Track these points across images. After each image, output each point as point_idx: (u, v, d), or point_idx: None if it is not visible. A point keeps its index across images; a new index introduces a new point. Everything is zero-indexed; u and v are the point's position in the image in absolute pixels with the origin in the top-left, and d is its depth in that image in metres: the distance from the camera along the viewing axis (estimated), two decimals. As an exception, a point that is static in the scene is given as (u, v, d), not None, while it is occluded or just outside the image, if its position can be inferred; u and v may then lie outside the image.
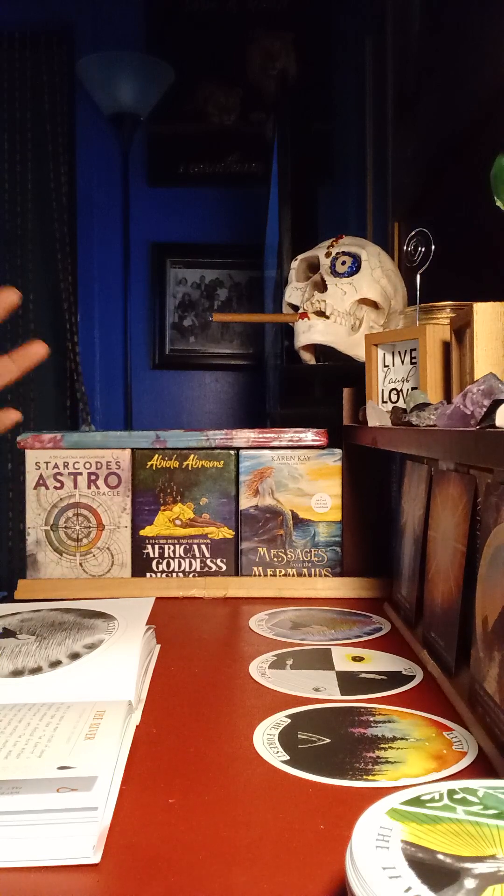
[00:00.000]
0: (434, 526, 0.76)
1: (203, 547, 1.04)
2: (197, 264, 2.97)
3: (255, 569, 1.04)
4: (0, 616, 0.76)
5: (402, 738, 0.55)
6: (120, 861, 0.40)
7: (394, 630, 0.85)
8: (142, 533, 1.04)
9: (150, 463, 1.04)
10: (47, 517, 1.04)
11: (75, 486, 1.04)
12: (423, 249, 0.87)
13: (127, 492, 1.04)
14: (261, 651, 0.77)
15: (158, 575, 1.04)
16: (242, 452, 1.05)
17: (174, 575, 1.04)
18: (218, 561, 1.04)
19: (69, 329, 2.81)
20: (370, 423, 0.91)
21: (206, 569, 1.04)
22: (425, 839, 0.34)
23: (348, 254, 1.14)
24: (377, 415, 0.89)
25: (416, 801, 0.37)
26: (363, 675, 0.69)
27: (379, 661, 0.73)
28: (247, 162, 2.90)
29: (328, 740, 0.55)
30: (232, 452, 1.05)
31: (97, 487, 1.04)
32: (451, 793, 0.38)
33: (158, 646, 0.78)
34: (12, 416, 0.66)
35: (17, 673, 0.61)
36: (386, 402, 0.94)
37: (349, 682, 0.68)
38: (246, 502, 1.04)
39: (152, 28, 2.87)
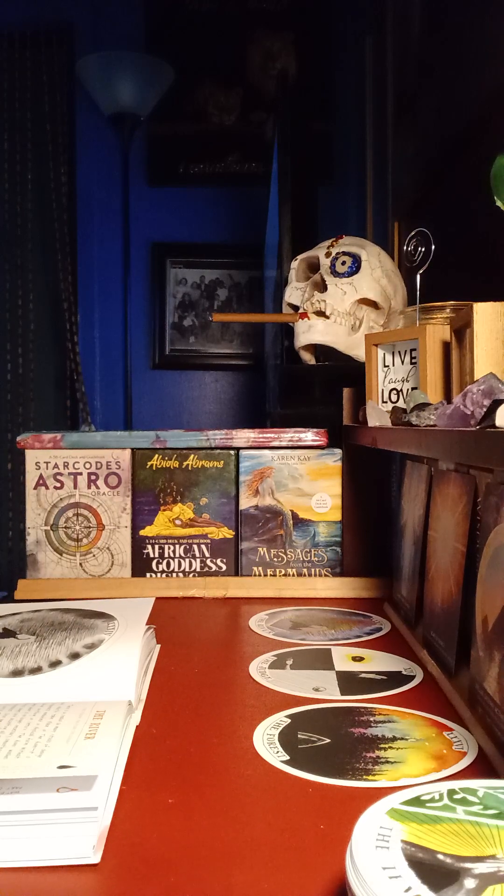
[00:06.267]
0: (434, 526, 0.76)
1: (203, 547, 1.04)
2: (197, 264, 2.96)
3: (255, 569, 1.04)
4: (0, 616, 0.76)
5: (402, 738, 0.55)
6: (120, 861, 0.40)
7: (394, 630, 0.85)
8: (142, 533, 1.04)
9: (150, 463, 1.04)
10: (47, 517, 1.04)
11: (75, 486, 1.04)
12: (423, 249, 0.87)
13: (127, 492, 1.04)
14: (261, 651, 0.77)
15: (158, 575, 1.04)
16: (242, 452, 1.05)
17: (174, 575, 1.04)
18: (218, 561, 1.04)
19: (69, 329, 2.80)
20: (370, 423, 0.91)
21: (206, 569, 1.04)
22: (425, 839, 0.34)
23: (348, 254, 1.14)
24: (377, 415, 0.89)
25: (416, 801, 0.37)
26: (363, 675, 0.69)
27: (379, 661, 0.73)
28: (247, 162, 2.90)
29: (328, 740, 0.55)
30: (232, 452, 1.05)
31: (97, 487, 1.04)
32: (451, 793, 0.38)
33: (158, 646, 0.78)
34: None
35: (17, 673, 0.61)
36: (386, 402, 0.94)
37: (349, 682, 0.68)
38: (246, 502, 1.04)
39: (152, 28, 2.86)
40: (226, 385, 3.00)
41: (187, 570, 1.04)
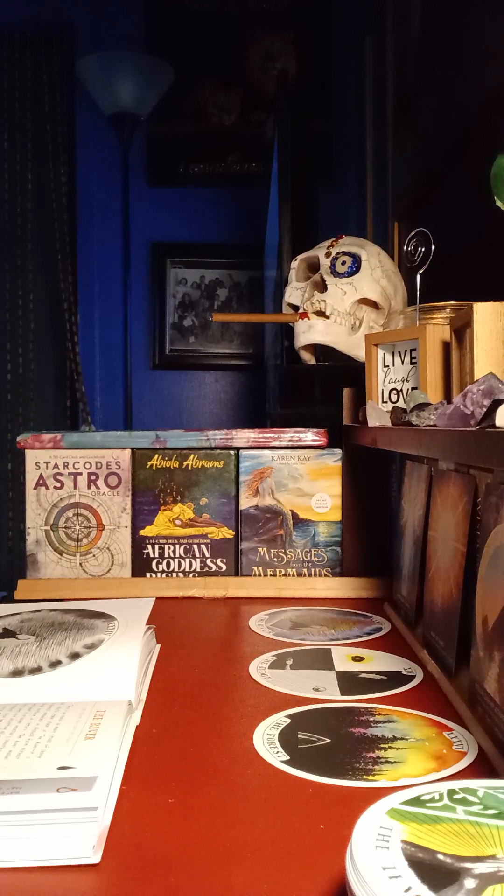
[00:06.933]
0: (434, 526, 0.76)
1: (203, 547, 1.04)
2: (197, 264, 2.96)
3: (255, 569, 1.04)
4: (0, 616, 0.76)
5: (402, 738, 0.55)
6: (120, 861, 0.40)
7: (394, 630, 0.85)
8: (142, 533, 1.04)
9: (150, 463, 1.04)
10: (47, 517, 1.04)
11: (75, 486, 1.04)
12: (423, 249, 0.87)
13: (127, 492, 1.04)
14: (261, 651, 0.77)
15: (158, 575, 1.04)
16: (242, 452, 1.05)
17: (174, 575, 1.04)
18: (218, 561, 1.04)
19: (69, 329, 2.80)
20: (370, 423, 0.91)
21: (206, 569, 1.04)
22: (425, 839, 0.34)
23: (348, 254, 1.14)
24: (377, 415, 0.89)
25: (416, 801, 0.37)
26: (363, 675, 0.69)
27: (379, 661, 0.73)
28: (247, 162, 2.90)
29: (328, 740, 0.55)
30: (232, 452, 1.05)
31: (97, 487, 1.04)
32: (451, 793, 0.38)
33: (158, 646, 0.78)
34: None
35: (17, 673, 0.61)
36: (386, 402, 0.94)
37: (349, 682, 0.68)
38: (246, 502, 1.04)
39: (152, 28, 2.86)
40: (226, 385, 3.00)
41: (187, 570, 1.04)
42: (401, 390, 0.92)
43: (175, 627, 0.86)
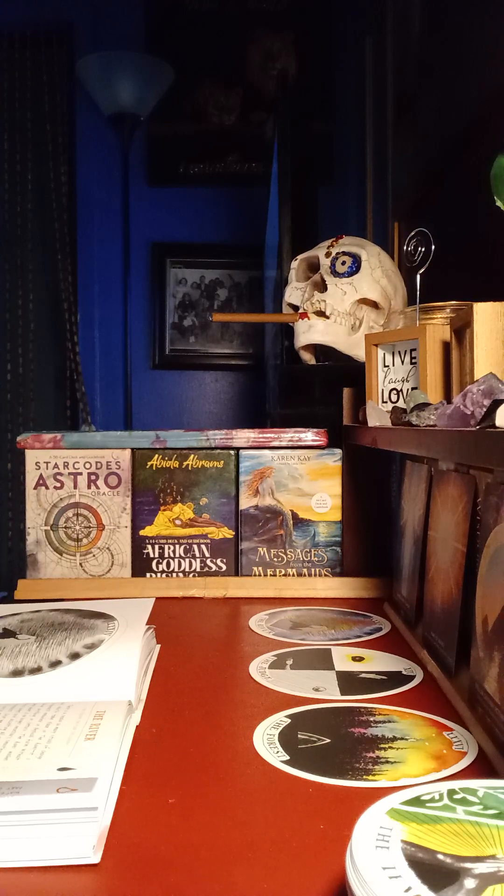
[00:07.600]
0: (434, 526, 0.76)
1: (203, 547, 1.04)
2: (197, 264, 2.96)
3: (255, 569, 1.04)
4: (0, 616, 0.76)
5: (401, 738, 0.55)
6: (120, 861, 0.40)
7: (394, 630, 0.85)
8: (142, 533, 1.04)
9: (150, 463, 1.04)
10: (47, 517, 1.04)
11: (75, 486, 1.04)
12: (423, 249, 0.87)
13: (127, 492, 1.04)
14: (261, 651, 0.77)
15: (158, 575, 1.04)
16: (242, 452, 1.05)
17: (174, 575, 1.04)
18: (218, 561, 1.04)
19: (69, 329, 2.80)
20: (370, 423, 0.91)
21: (206, 569, 1.04)
22: (425, 839, 0.34)
23: (348, 254, 1.14)
24: (377, 415, 0.89)
25: (416, 801, 0.37)
26: (363, 675, 0.69)
27: (379, 661, 0.73)
28: (247, 162, 2.90)
29: (328, 740, 0.55)
30: (232, 452, 1.05)
31: (97, 487, 1.04)
32: (451, 793, 0.38)
33: (158, 646, 0.78)
34: None
35: (17, 673, 0.61)
36: (386, 402, 0.94)
37: (349, 682, 0.68)
38: (246, 502, 1.04)
39: (152, 28, 2.86)
40: (226, 385, 3.00)
41: (187, 570, 1.04)
42: (401, 390, 0.92)
43: (175, 627, 0.86)
